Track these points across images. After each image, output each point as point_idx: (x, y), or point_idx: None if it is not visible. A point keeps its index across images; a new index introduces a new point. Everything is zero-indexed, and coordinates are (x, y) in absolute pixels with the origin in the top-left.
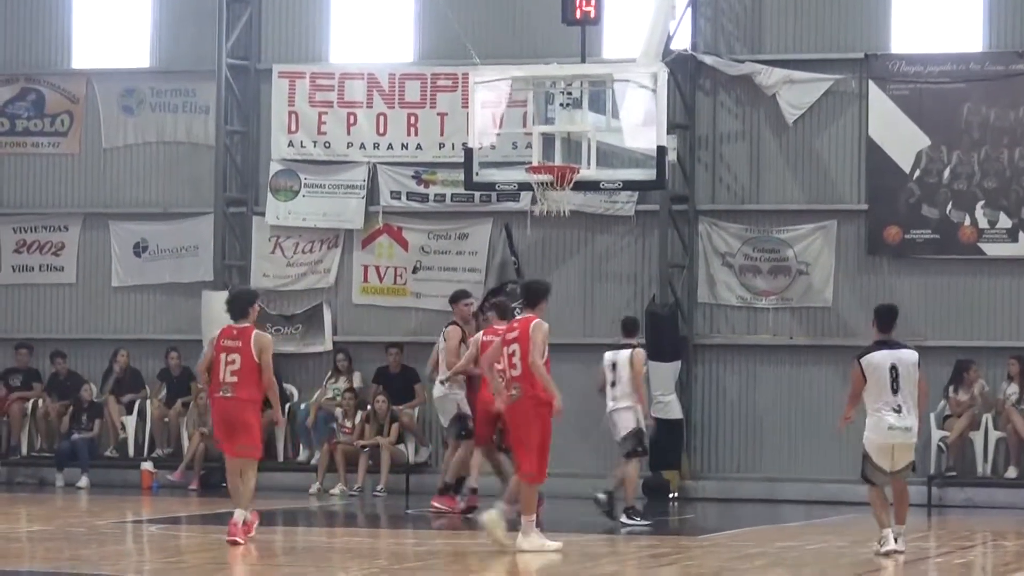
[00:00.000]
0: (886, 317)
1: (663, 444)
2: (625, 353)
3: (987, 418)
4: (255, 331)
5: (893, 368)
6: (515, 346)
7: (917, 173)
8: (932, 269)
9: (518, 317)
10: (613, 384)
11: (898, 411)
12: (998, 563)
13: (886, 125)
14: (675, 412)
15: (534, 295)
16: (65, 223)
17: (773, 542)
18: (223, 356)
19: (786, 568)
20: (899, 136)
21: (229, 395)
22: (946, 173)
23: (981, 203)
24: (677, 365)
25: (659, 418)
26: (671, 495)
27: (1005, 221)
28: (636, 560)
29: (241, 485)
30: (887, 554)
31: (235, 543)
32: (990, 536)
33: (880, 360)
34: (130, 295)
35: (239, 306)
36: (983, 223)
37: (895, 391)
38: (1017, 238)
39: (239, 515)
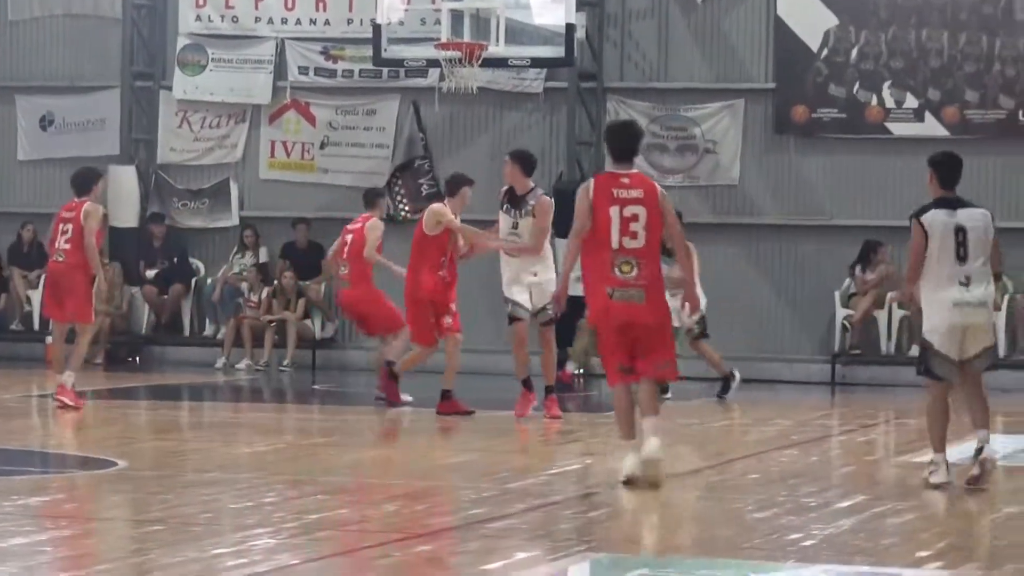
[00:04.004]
0: (948, 168)
1: (568, 320)
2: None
3: (891, 296)
4: (87, 203)
5: (959, 231)
6: None
7: (825, 52)
8: (839, 148)
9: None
10: None
11: (965, 284)
12: (901, 441)
13: (794, 4)
14: (578, 289)
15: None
16: None
17: (675, 419)
18: (60, 226)
19: (692, 445)
20: (807, 15)
21: (60, 260)
22: (854, 53)
23: (888, 83)
24: None
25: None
26: (574, 372)
27: (912, 101)
28: (541, 435)
29: (64, 350)
30: (937, 486)
31: (66, 406)
32: (893, 414)
33: (943, 221)
34: (36, 169)
35: (83, 182)
36: (890, 103)
37: (961, 259)
38: (923, 118)
39: (67, 378)
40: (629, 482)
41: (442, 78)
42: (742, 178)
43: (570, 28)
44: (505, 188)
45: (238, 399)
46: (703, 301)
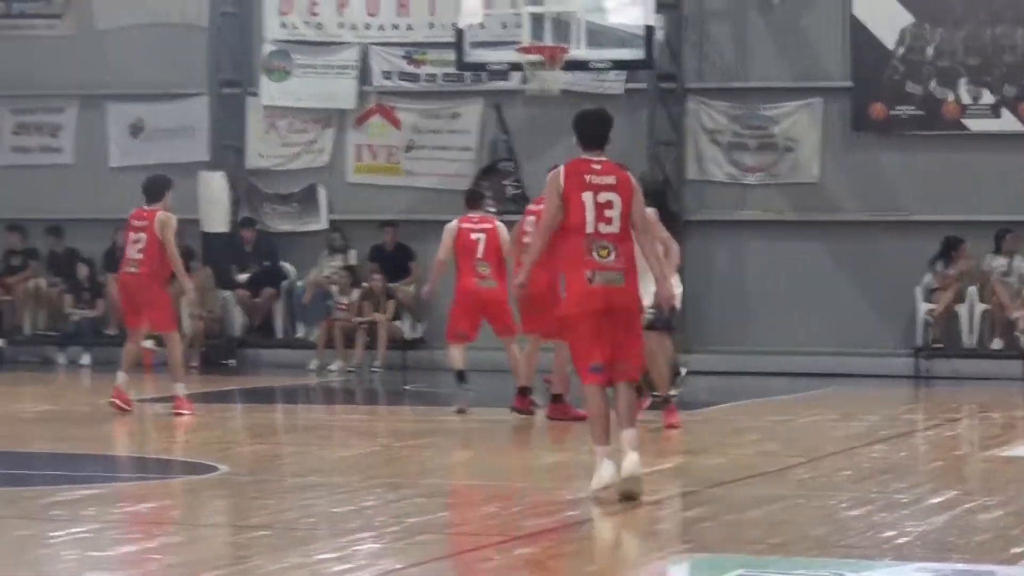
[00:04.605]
0: None
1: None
2: None
3: (972, 291)
4: (159, 212)
5: None
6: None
7: (901, 51)
8: (916, 145)
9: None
10: None
11: None
12: (987, 435)
13: (870, 3)
14: None
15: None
16: (62, 105)
17: (764, 416)
18: (131, 235)
19: (781, 442)
20: (883, 14)
21: (134, 271)
22: (930, 50)
23: (964, 80)
24: None
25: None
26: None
27: (988, 97)
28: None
29: (138, 352)
30: None
31: (181, 415)
32: (977, 408)
33: None
34: (128, 175)
35: (154, 190)
36: (966, 99)
37: None
38: (1000, 114)
39: (180, 389)
40: (603, 494)
41: (524, 81)
42: (822, 175)
43: (649, 30)
44: None
45: (331, 401)
46: (678, 291)
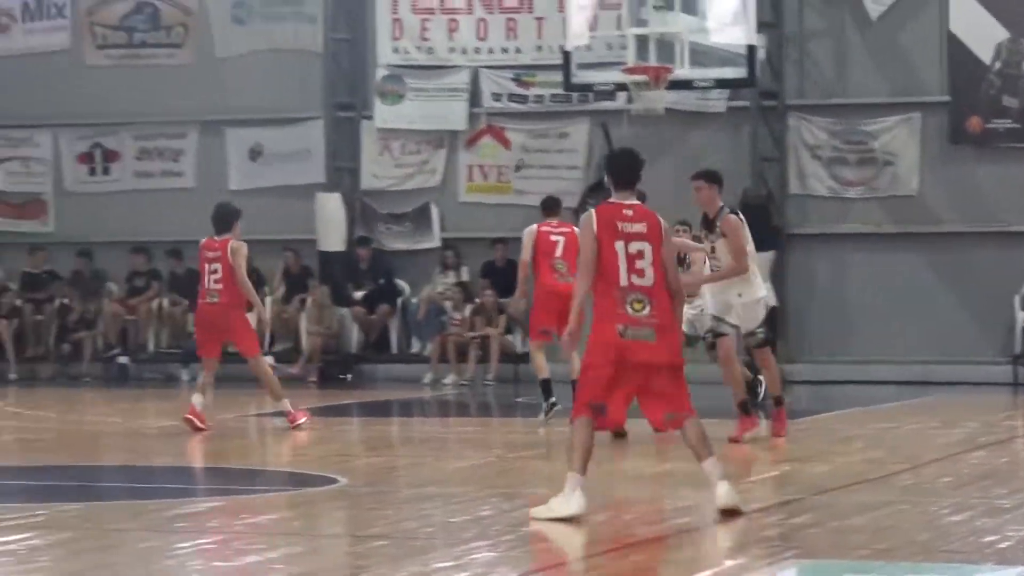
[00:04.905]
0: None
1: None
2: None
3: None
4: (231, 241)
5: None
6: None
7: (997, 65)
8: (1013, 157)
9: None
10: None
11: None
12: None
13: (966, 18)
14: (769, 299)
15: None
16: (183, 131)
17: (868, 424)
18: (207, 266)
19: (885, 450)
20: (979, 29)
21: (214, 300)
22: None
23: None
24: (770, 255)
25: None
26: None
27: None
28: (738, 447)
29: (211, 382)
30: None
31: (298, 426)
32: None
33: None
34: (247, 198)
35: (223, 220)
36: None
37: None
38: None
39: (284, 405)
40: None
41: (630, 100)
42: (921, 188)
43: (752, 50)
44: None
45: (446, 414)
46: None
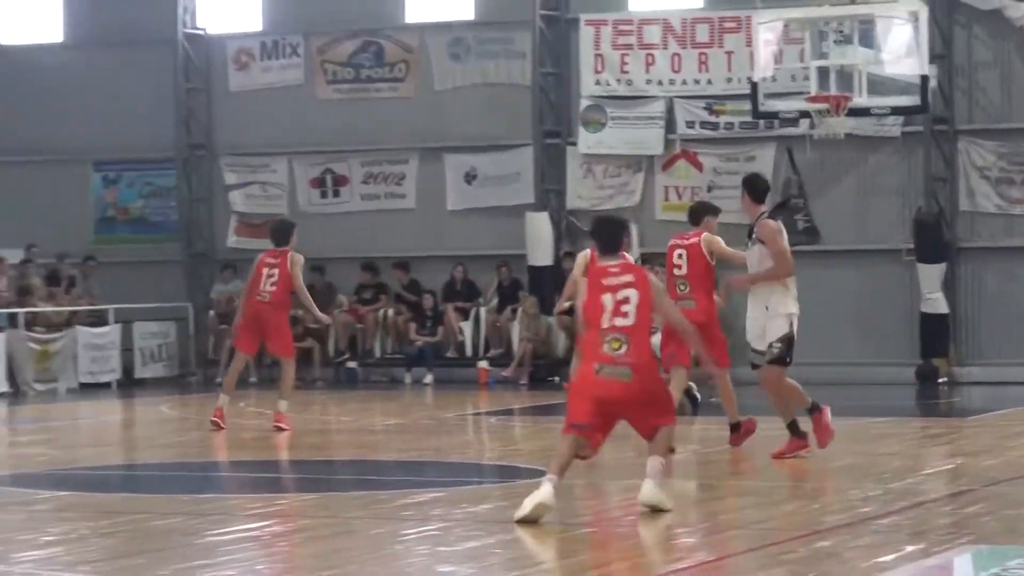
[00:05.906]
0: None
1: (932, 335)
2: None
3: None
4: (290, 252)
5: None
6: None
7: None
8: None
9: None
10: None
11: None
12: None
13: None
14: (942, 307)
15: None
16: (405, 157)
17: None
18: (265, 271)
19: None
20: None
21: (266, 299)
22: None
23: None
24: (942, 267)
25: (927, 312)
26: (940, 380)
27: None
28: (915, 439)
29: (236, 377)
30: None
31: (282, 430)
32: None
33: None
34: (463, 218)
35: (282, 234)
36: None
37: None
38: None
39: (282, 406)
40: (525, 521)
41: (812, 126)
42: None
43: (924, 79)
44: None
45: None
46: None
